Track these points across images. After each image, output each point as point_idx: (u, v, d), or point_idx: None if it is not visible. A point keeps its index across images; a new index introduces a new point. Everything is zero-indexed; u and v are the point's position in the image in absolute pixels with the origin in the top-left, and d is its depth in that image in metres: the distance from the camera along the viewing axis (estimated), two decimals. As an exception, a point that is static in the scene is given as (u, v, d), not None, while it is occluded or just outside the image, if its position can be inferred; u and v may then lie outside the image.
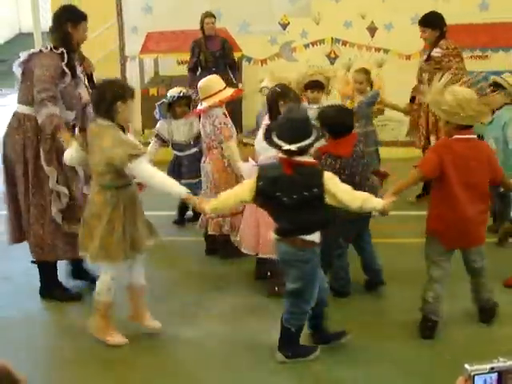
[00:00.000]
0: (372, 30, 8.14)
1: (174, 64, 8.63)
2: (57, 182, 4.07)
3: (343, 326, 3.59)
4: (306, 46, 8.33)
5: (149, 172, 3.42)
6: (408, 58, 8.00)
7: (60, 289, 4.33)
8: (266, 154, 3.89)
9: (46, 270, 4.30)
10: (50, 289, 4.30)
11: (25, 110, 4.15)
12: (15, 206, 4.20)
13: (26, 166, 4.09)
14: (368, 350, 3.50)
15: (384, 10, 7.98)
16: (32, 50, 4.23)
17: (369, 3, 8.01)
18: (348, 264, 4.19)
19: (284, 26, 8.37)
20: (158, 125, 5.60)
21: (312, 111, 4.48)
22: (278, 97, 4.20)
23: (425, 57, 5.84)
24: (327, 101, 5.41)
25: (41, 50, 4.18)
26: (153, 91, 8.56)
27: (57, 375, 3.43)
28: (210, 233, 4.87)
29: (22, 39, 20.04)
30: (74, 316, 4.12)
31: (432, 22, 5.74)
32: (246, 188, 3.22)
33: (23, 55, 4.16)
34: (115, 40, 8.71)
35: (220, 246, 4.91)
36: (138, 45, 8.71)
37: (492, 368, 1.27)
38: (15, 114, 4.21)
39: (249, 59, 8.38)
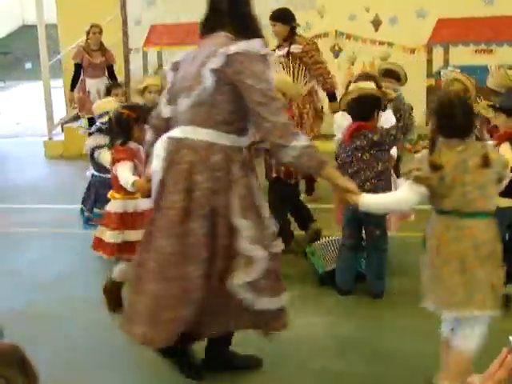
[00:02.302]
0: (376, 23, 8.11)
1: (178, 57, 8.61)
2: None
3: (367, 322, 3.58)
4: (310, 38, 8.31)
5: None
6: (412, 51, 7.98)
7: None
8: None
9: None
10: None
11: (213, 137, 2.73)
12: None
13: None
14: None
15: (388, 4, 7.95)
16: (234, 48, 2.65)
17: (373, -4, 8.00)
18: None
19: (288, 19, 8.35)
20: None
21: None
22: None
23: (281, 52, 5.74)
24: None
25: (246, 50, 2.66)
26: (156, 84, 8.55)
27: (68, 370, 3.44)
28: None
29: (26, 31, 20.04)
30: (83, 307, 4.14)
31: (282, 17, 5.75)
32: None
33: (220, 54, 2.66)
34: (119, 32, 8.71)
35: None
36: (142, 37, 8.71)
37: None
38: (187, 143, 2.74)
39: (252, 52, 8.36)
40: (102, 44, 8.02)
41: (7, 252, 5.09)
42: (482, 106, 4.88)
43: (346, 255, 4.16)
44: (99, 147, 4.55)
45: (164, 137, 2.81)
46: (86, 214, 4.77)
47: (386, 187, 3.91)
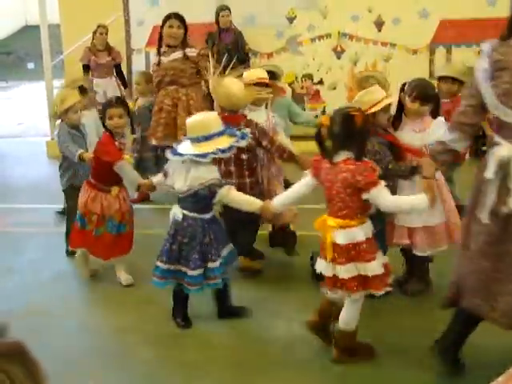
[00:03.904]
0: (379, 24, 8.11)
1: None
2: None
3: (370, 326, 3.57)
4: (313, 39, 8.31)
5: None
6: (415, 52, 7.98)
7: None
8: None
9: None
10: None
11: None
12: None
13: None
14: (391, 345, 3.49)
15: (391, 4, 7.96)
16: None
17: (376, -3, 7.99)
18: None
19: (291, 20, 8.35)
20: None
21: None
22: None
23: (175, 56, 5.74)
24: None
25: None
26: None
27: (67, 370, 3.44)
28: None
29: (29, 31, 20.05)
30: (78, 306, 4.14)
31: (184, 20, 5.81)
32: None
33: None
34: (121, 33, 8.71)
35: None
36: (144, 38, 8.70)
37: None
38: None
39: (255, 53, 8.37)
40: (107, 44, 8.07)
41: (8, 251, 5.09)
42: None
43: None
44: None
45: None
46: None
47: None
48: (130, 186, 4.35)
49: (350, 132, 3.06)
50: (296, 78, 8.40)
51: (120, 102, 4.36)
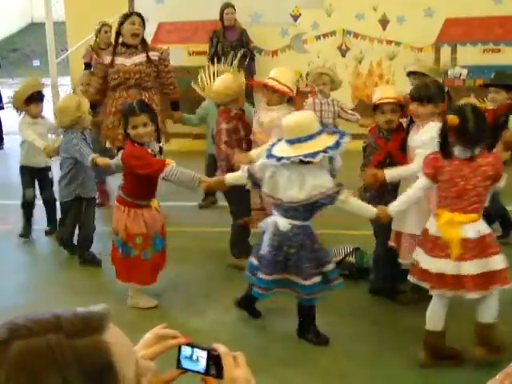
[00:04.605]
0: (384, 22, 8.09)
1: (186, 54, 8.62)
2: None
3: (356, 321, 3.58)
4: (318, 37, 8.30)
5: None
6: (420, 50, 7.96)
7: None
8: None
9: None
10: None
11: None
12: None
13: None
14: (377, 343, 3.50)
15: (396, 3, 7.93)
16: None
17: (381, -5, 7.97)
18: None
19: (295, 18, 8.35)
20: None
21: None
22: None
23: (139, 60, 5.47)
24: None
25: None
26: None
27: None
28: None
29: (34, 29, 20.09)
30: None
31: (144, 20, 5.65)
32: None
33: None
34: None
35: None
36: (150, 35, 8.71)
37: None
38: None
39: (260, 51, 8.36)
40: (111, 43, 8.03)
41: (11, 249, 5.11)
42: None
43: None
44: None
45: None
46: None
47: None
48: (188, 186, 3.85)
49: (484, 126, 3.11)
50: (301, 75, 8.39)
51: (144, 107, 3.86)
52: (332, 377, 3.24)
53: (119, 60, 5.49)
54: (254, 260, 3.52)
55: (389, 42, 8.08)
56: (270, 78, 4.22)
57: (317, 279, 3.36)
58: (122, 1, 8.67)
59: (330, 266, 3.42)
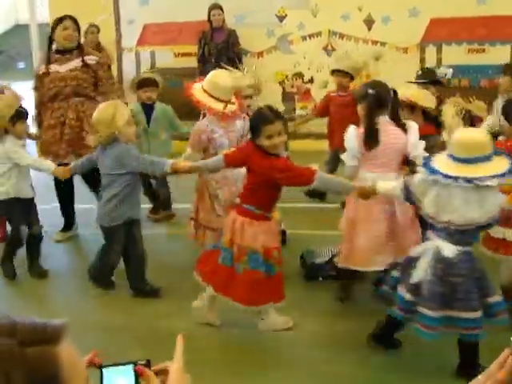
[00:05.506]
0: (369, 22, 8.11)
1: (171, 56, 8.60)
2: None
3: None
4: (304, 38, 8.30)
5: None
6: (405, 51, 7.98)
7: None
8: None
9: None
10: None
11: None
12: None
13: None
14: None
15: (381, 3, 7.95)
16: None
17: (366, -5, 7.99)
18: None
19: (281, 19, 8.35)
20: None
21: None
22: None
23: (73, 65, 5.08)
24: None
25: None
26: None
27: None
28: None
29: (19, 31, 19.96)
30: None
31: (78, 24, 5.36)
32: None
33: None
34: (112, 32, 8.69)
35: None
36: (135, 37, 8.69)
37: None
38: None
39: (245, 52, 8.35)
40: (99, 44, 8.00)
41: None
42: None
43: None
44: None
45: None
46: None
47: None
48: (342, 191, 3.75)
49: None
50: (287, 76, 8.40)
51: (278, 113, 3.50)
52: (325, 376, 3.24)
53: (52, 68, 5.10)
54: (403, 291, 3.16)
55: (374, 43, 8.10)
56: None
57: (481, 312, 3.03)
58: (106, 2, 8.63)
59: (496, 298, 3.12)
